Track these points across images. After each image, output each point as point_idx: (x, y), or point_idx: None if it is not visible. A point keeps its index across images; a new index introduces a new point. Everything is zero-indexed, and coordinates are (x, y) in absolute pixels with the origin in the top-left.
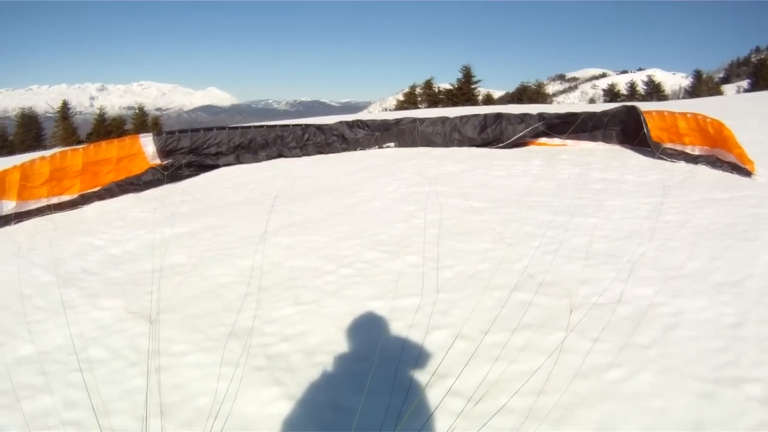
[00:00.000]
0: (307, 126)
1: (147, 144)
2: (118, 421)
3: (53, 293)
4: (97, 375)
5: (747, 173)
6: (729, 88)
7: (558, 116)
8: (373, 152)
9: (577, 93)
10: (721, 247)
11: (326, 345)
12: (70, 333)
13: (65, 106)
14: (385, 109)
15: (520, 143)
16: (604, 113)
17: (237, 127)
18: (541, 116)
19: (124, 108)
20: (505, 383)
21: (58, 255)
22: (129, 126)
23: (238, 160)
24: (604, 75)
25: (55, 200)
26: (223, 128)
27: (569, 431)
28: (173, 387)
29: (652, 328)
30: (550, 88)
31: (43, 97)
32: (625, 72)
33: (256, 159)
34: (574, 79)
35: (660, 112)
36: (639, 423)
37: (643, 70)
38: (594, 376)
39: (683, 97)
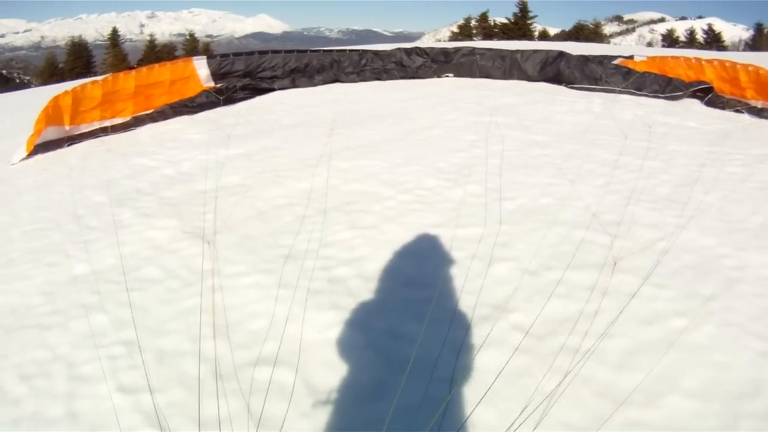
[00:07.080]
0: (365, 52)
1: (200, 67)
2: (172, 342)
3: (106, 213)
4: (151, 295)
5: None
6: None
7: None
8: (432, 81)
9: (634, 36)
10: None
11: (385, 271)
12: (119, 253)
13: (115, 33)
14: (439, 41)
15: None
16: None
17: (292, 51)
18: (626, 72)
19: (174, 35)
20: (568, 322)
21: (111, 176)
22: (180, 52)
23: (294, 84)
24: (662, 20)
25: (107, 123)
26: (278, 52)
27: (631, 376)
28: (228, 308)
29: (716, 279)
30: (607, 29)
31: (92, 26)
32: (684, 18)
33: (311, 83)
34: (632, 21)
35: (721, 62)
36: (699, 376)
37: (703, 18)
38: (658, 323)
39: (743, 50)
